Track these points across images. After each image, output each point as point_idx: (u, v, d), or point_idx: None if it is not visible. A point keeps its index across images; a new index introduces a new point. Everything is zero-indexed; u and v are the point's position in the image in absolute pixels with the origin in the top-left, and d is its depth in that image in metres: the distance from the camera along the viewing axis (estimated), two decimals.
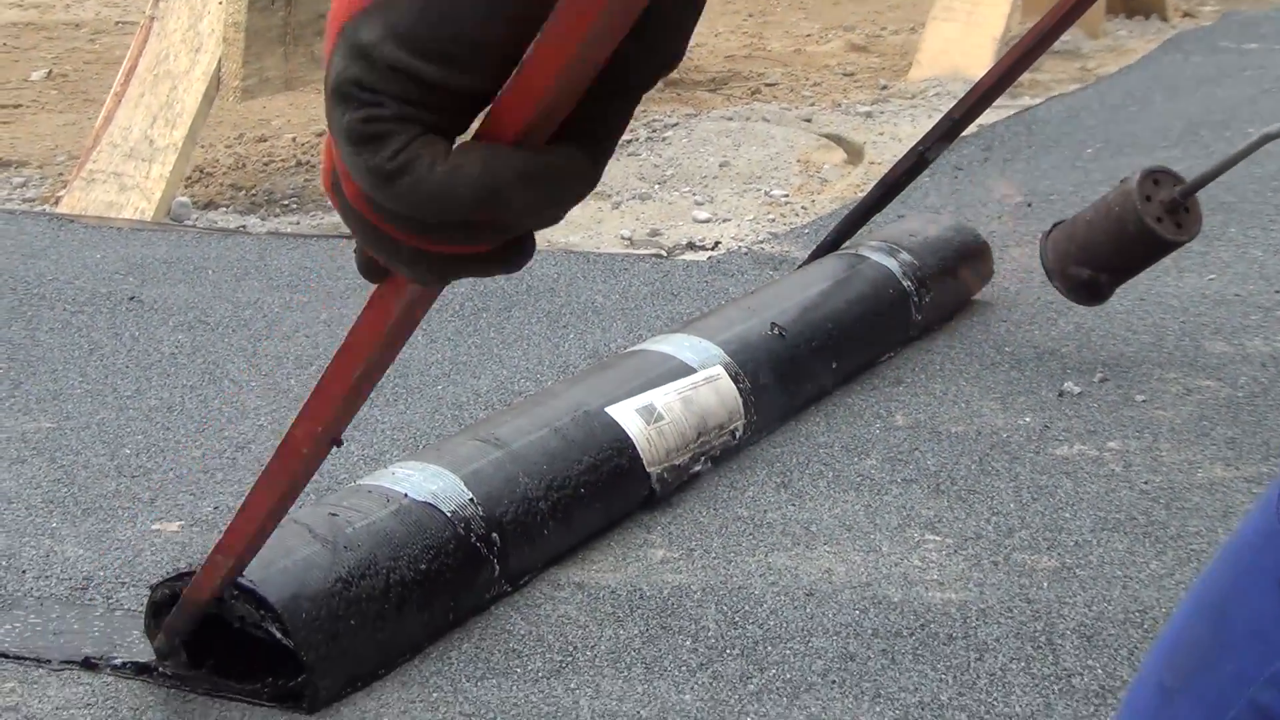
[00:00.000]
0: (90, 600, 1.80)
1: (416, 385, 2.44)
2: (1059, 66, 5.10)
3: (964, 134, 2.90)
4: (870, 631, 1.72)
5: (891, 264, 2.56)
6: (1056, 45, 2.78)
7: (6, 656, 1.67)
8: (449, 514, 1.73)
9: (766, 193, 3.84)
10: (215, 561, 1.44)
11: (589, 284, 2.93)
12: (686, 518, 1.98)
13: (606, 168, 0.68)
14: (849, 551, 1.90)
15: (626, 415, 1.99)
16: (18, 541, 1.93)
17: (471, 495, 1.76)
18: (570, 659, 1.67)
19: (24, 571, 1.86)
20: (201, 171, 4.09)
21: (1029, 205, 3.35)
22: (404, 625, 1.66)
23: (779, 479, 2.09)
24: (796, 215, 3.63)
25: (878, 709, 1.57)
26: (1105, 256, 2.39)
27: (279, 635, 1.54)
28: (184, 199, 3.74)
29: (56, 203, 3.72)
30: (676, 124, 4.47)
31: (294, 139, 4.43)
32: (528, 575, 1.82)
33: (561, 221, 0.68)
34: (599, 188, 2.55)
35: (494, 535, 1.76)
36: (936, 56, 4.95)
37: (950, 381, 2.42)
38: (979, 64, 4.58)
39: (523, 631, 1.72)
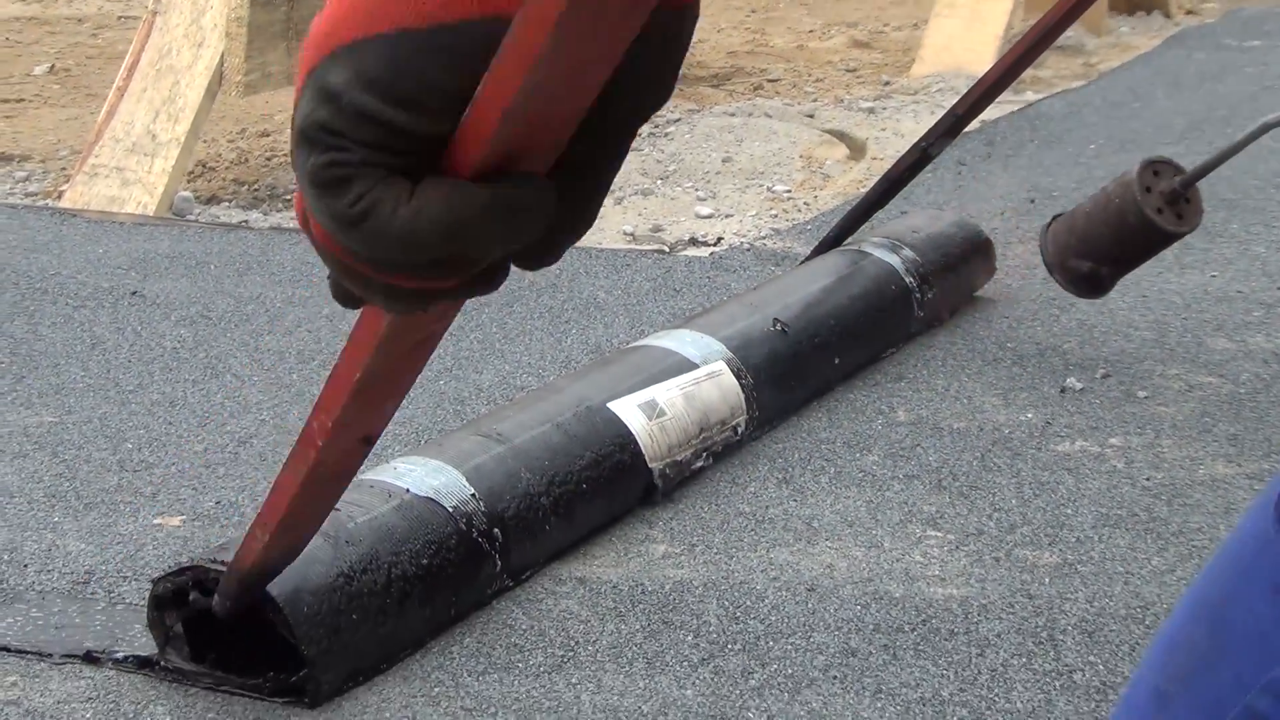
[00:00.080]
0: (92, 594, 1.80)
1: (419, 380, 2.43)
2: (1062, 63, 5.10)
3: (967, 130, 2.89)
4: (871, 627, 1.72)
5: (894, 260, 2.56)
6: (1059, 41, 2.77)
7: (8, 650, 1.68)
8: (451, 509, 1.73)
9: (769, 188, 3.83)
10: (254, 534, 1.45)
11: (591, 279, 2.93)
12: (688, 513, 1.98)
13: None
14: (850, 547, 1.90)
15: (629, 411, 1.99)
16: (20, 535, 1.94)
17: (473, 490, 1.76)
18: (572, 654, 1.67)
19: (26, 565, 1.86)
20: (204, 166, 4.09)
21: (1031, 201, 3.35)
22: (406, 620, 1.66)
23: (781, 474, 2.09)
24: (799, 211, 3.62)
25: (879, 704, 1.58)
26: (1106, 248, 2.39)
27: (281, 629, 1.54)
28: (186, 194, 3.74)
29: (59, 197, 3.72)
30: (679, 119, 4.47)
31: None
32: (529, 570, 1.82)
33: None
34: None
35: (496, 530, 1.76)
36: (939, 53, 4.95)
37: (952, 377, 2.42)
38: (982, 60, 4.58)
39: (524, 626, 1.72)
